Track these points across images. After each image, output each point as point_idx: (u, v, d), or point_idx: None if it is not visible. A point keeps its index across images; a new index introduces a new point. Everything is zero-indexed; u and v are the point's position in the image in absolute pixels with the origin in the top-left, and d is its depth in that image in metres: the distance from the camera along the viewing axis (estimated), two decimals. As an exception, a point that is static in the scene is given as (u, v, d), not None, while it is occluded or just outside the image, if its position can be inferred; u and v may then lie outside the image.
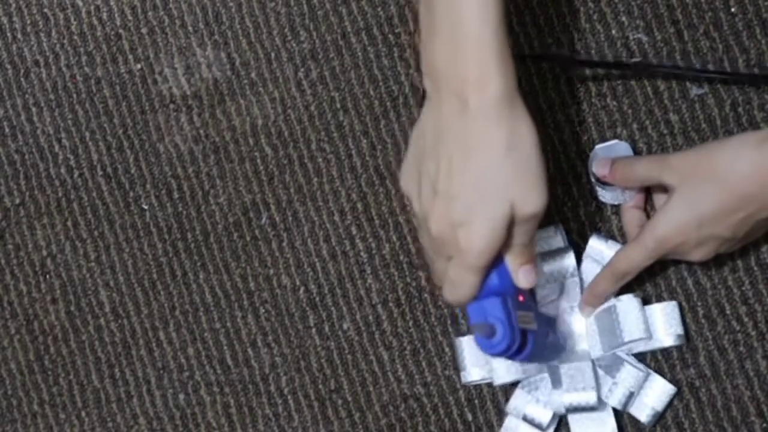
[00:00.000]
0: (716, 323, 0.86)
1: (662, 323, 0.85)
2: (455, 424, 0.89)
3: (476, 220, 0.72)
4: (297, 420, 0.92)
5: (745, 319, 0.86)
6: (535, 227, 0.75)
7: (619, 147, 0.86)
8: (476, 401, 0.89)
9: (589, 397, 0.83)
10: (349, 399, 0.91)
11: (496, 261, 0.75)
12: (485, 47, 0.71)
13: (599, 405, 0.84)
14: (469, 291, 0.75)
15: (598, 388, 0.83)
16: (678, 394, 0.86)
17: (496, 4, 0.71)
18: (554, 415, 0.85)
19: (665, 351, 0.86)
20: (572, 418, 0.86)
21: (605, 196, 0.87)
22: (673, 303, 0.85)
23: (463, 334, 0.88)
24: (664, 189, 0.82)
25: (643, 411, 0.85)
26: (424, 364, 0.90)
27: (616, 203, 0.87)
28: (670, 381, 0.86)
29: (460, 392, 0.89)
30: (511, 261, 0.75)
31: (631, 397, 0.84)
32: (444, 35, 0.72)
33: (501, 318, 0.74)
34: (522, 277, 0.76)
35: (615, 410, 0.85)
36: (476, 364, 0.87)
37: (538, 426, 0.85)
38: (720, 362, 0.86)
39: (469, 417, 0.89)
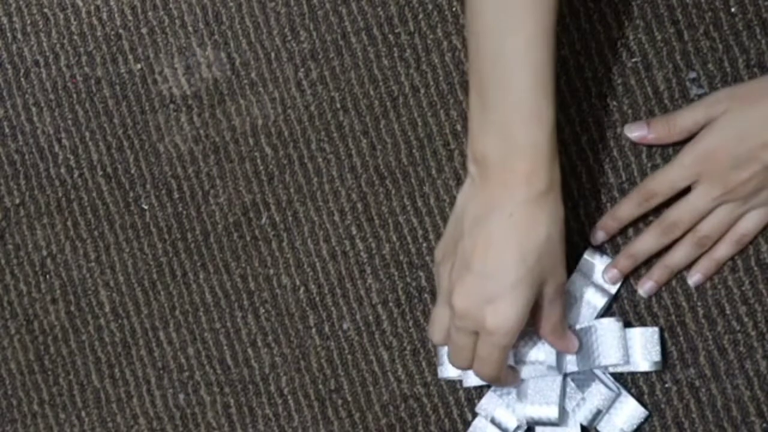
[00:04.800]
0: (716, 323, 0.86)
1: (640, 347, 0.84)
2: (455, 424, 0.89)
3: (507, 300, 0.75)
4: (297, 420, 0.92)
5: (745, 319, 0.86)
6: (563, 299, 0.80)
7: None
8: (476, 401, 0.89)
9: (551, 412, 0.83)
10: (349, 399, 0.91)
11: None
12: (539, 148, 0.75)
13: (564, 419, 0.84)
14: (498, 366, 0.78)
15: (563, 400, 0.83)
16: (650, 417, 0.86)
17: (548, 107, 0.75)
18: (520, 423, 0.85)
19: (665, 350, 0.86)
20: (539, 429, 0.86)
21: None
22: (654, 329, 0.84)
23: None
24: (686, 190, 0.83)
25: (612, 431, 0.85)
26: (424, 364, 0.90)
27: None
28: (670, 381, 0.86)
29: (460, 392, 0.89)
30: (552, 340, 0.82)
31: (598, 414, 0.84)
32: (497, 131, 0.75)
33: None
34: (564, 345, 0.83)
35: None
36: None
37: (504, 430, 0.85)
38: (720, 362, 0.86)
39: (469, 417, 0.89)
